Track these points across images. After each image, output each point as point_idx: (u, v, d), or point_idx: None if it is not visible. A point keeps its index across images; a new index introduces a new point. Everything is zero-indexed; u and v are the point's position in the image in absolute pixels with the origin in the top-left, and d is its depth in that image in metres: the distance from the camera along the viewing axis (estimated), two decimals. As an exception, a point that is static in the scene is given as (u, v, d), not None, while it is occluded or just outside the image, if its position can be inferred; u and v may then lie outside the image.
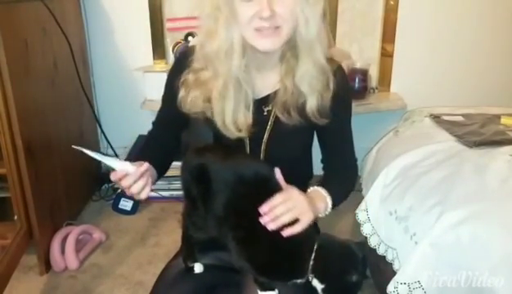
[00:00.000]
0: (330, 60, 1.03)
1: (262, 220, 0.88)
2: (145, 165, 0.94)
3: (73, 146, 0.93)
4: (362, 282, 0.93)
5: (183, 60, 1.05)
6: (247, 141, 1.05)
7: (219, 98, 0.99)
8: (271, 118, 1.04)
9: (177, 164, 1.07)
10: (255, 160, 1.04)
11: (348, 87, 1.10)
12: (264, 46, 0.94)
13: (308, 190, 1.04)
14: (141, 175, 0.93)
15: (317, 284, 0.91)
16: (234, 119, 1.00)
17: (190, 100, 1.02)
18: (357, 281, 0.91)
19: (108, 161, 0.94)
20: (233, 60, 0.96)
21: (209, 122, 1.04)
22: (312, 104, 0.99)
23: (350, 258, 0.93)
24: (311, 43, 0.96)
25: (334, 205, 1.04)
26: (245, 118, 1.01)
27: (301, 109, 1.00)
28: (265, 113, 1.04)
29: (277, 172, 0.96)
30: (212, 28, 0.95)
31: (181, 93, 1.03)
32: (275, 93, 1.02)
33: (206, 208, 0.95)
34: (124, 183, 0.93)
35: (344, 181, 1.12)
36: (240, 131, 1.01)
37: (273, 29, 0.92)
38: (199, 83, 1.01)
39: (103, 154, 0.95)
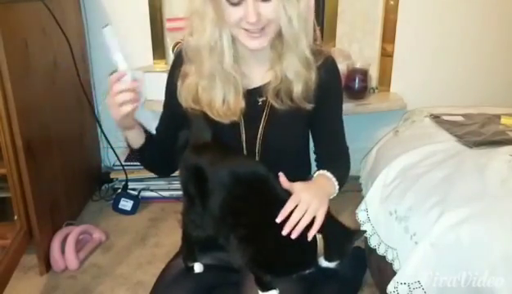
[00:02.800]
0: (320, 51, 1.06)
1: (284, 232, 0.89)
2: (139, 82, 0.97)
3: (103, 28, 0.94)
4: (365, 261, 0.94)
5: (179, 57, 1.08)
6: (243, 130, 1.06)
7: (206, 89, 1.03)
8: (266, 108, 1.06)
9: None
10: (252, 161, 1.05)
11: (338, 78, 1.13)
12: (254, 46, 0.98)
13: (314, 175, 1.09)
14: (133, 90, 0.95)
15: (329, 264, 0.92)
16: (224, 105, 1.03)
17: (187, 88, 1.05)
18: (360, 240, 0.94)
19: (118, 57, 0.96)
20: (223, 56, 1.00)
21: (207, 117, 1.05)
22: (297, 90, 1.03)
23: (344, 226, 0.96)
24: (294, 38, 0.99)
25: (340, 187, 1.08)
26: (236, 102, 1.03)
27: (290, 95, 1.04)
28: (260, 103, 1.06)
29: (281, 176, 0.97)
30: (199, 25, 0.99)
31: (179, 85, 1.06)
32: (267, 83, 1.04)
33: (203, 206, 0.95)
34: (116, 87, 0.95)
35: (340, 167, 1.14)
36: (232, 115, 1.03)
37: (260, 30, 0.95)
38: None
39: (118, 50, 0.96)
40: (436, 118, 1.62)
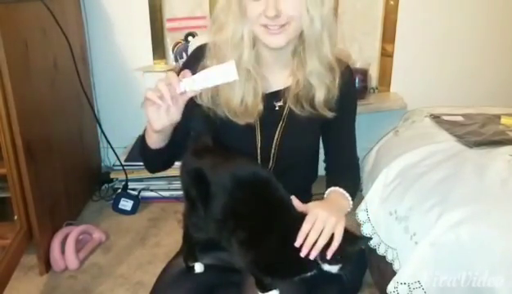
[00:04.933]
0: (339, 60, 1.05)
1: (302, 254, 0.88)
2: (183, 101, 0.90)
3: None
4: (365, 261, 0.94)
5: (199, 52, 1.06)
6: (258, 135, 1.06)
7: (225, 87, 1.00)
8: (285, 113, 1.05)
9: (176, 164, 1.06)
10: (253, 163, 1.03)
11: (355, 88, 1.15)
12: (272, 43, 0.97)
13: (326, 192, 1.07)
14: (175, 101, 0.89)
15: (330, 267, 0.91)
16: (242, 106, 1.02)
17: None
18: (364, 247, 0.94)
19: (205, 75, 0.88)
20: (243, 53, 0.99)
21: (209, 120, 1.04)
22: (320, 97, 1.02)
23: (348, 231, 0.94)
24: (316, 40, 0.98)
25: (352, 199, 1.07)
26: (254, 104, 1.02)
27: (312, 101, 1.03)
28: (277, 108, 1.06)
29: (293, 199, 0.96)
30: (223, 21, 0.99)
31: None
32: (287, 88, 1.04)
33: (205, 210, 0.94)
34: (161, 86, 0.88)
35: (351, 178, 1.14)
36: (249, 117, 1.02)
37: (279, 27, 0.94)
38: None
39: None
40: (436, 118, 1.62)
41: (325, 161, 1.18)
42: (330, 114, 1.04)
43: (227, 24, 0.98)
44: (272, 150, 1.06)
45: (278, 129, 1.05)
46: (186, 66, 1.06)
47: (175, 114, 0.91)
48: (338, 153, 1.15)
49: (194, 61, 1.04)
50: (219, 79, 0.88)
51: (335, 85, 1.02)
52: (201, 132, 1.02)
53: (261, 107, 1.03)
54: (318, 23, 0.95)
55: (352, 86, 1.13)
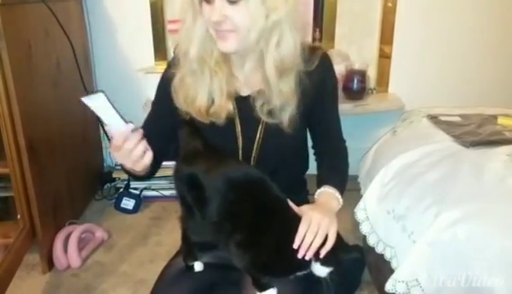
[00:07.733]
0: (314, 48, 1.04)
1: (299, 255, 0.91)
2: (140, 130, 0.92)
3: (81, 98, 0.90)
4: (364, 260, 0.94)
5: (176, 57, 1.06)
6: (239, 137, 1.05)
7: (192, 85, 1.01)
8: None
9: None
10: (245, 165, 1.03)
11: (333, 76, 1.11)
12: (222, 47, 0.96)
13: (317, 193, 1.07)
14: (141, 137, 0.91)
15: (322, 269, 0.93)
16: (211, 106, 1.02)
17: (182, 87, 1.03)
18: (358, 257, 0.94)
19: (115, 121, 0.89)
20: (190, 48, 0.99)
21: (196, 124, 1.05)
22: (276, 104, 1.00)
23: (341, 238, 0.96)
24: (247, 51, 0.98)
25: (342, 194, 1.08)
26: (220, 103, 1.02)
27: (279, 112, 1.01)
28: (257, 108, 1.03)
29: (288, 201, 0.97)
30: (183, 20, 0.99)
31: (176, 84, 1.04)
32: (257, 92, 1.02)
33: (201, 214, 0.95)
34: (128, 145, 0.90)
35: (340, 165, 1.15)
36: (215, 115, 1.02)
37: (227, 32, 0.94)
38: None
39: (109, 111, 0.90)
40: (433, 119, 1.63)
41: (313, 147, 1.19)
42: (288, 131, 1.02)
43: (186, 24, 0.98)
44: (253, 152, 1.06)
45: (259, 130, 1.05)
46: (165, 74, 1.07)
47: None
48: (324, 139, 1.15)
49: (171, 68, 1.05)
50: (106, 110, 0.91)
51: (293, 100, 1.00)
52: (190, 137, 1.02)
53: (230, 107, 1.02)
54: (254, 36, 0.93)
55: (330, 75, 1.09)
